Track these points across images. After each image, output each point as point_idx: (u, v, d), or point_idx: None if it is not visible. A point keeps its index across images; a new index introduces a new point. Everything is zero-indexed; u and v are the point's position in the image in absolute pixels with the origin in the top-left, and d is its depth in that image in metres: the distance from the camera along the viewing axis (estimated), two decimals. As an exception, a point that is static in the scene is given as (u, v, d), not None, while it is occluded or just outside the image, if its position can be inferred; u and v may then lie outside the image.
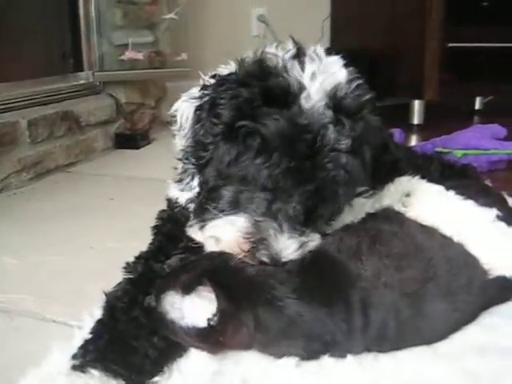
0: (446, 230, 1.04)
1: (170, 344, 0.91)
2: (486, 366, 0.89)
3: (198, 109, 1.04)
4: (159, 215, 1.23)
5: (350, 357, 0.89)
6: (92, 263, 1.36)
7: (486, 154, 2.11)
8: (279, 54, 1.03)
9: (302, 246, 0.95)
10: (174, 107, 1.09)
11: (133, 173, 2.21)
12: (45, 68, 2.54)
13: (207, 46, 3.39)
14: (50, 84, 2.48)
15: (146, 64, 2.91)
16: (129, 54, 2.84)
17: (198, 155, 1.03)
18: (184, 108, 1.07)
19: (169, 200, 1.22)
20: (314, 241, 0.98)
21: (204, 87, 1.06)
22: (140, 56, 2.87)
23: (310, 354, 0.88)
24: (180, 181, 1.11)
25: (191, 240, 1.06)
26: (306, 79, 0.98)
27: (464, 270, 0.98)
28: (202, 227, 1.02)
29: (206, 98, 1.03)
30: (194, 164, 1.05)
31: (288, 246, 0.93)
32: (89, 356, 0.87)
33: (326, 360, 0.88)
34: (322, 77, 0.98)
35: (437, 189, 1.16)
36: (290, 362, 0.88)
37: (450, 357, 0.92)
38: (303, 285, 0.89)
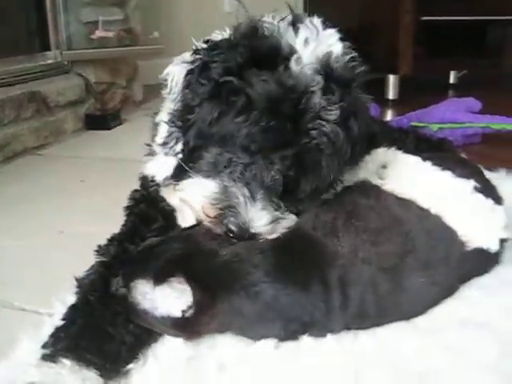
0: (424, 201, 1.02)
1: (147, 330, 0.88)
2: (466, 339, 0.89)
3: (189, 73, 1.00)
4: (132, 195, 1.18)
5: (329, 336, 0.87)
6: (62, 248, 1.31)
7: (462, 128, 2.10)
8: (275, 21, 0.99)
9: (275, 220, 0.91)
10: (166, 71, 1.06)
11: (104, 154, 2.15)
12: (10, 47, 2.45)
13: (179, 23, 3.32)
14: (16, 64, 2.40)
15: (116, 42, 2.83)
16: (99, 33, 2.76)
17: (185, 118, 1.00)
18: (175, 71, 1.04)
19: (143, 178, 1.17)
20: (289, 220, 0.95)
21: (196, 52, 1.02)
22: (110, 35, 2.79)
23: (288, 335, 0.87)
24: (164, 144, 1.07)
25: (166, 220, 1.03)
26: (298, 44, 0.95)
27: (442, 242, 0.97)
28: (175, 188, 1.00)
29: (197, 62, 1.00)
30: (179, 127, 1.02)
31: (259, 218, 0.89)
32: (60, 344, 0.84)
33: (305, 340, 0.87)
34: (316, 43, 0.96)
35: (413, 160, 1.13)
36: (267, 343, 0.86)
37: (430, 331, 0.91)
38: (279, 266, 0.86)
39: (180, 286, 0.81)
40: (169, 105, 1.05)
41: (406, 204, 1.02)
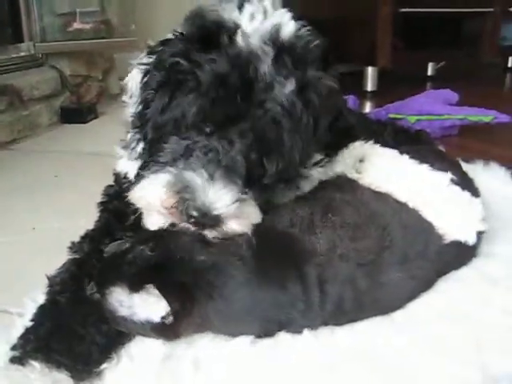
0: (401, 195, 1.01)
1: (119, 330, 0.86)
2: (444, 333, 0.88)
3: (146, 73, 0.98)
4: (106, 191, 1.16)
5: (306, 332, 0.86)
6: (34, 245, 1.28)
7: (439, 120, 2.10)
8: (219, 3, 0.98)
9: (239, 201, 0.85)
10: (127, 78, 1.05)
11: (79, 148, 2.11)
12: (-19, 39, 2.39)
13: (155, 15, 3.27)
14: (-13, 56, 2.34)
15: (92, 34, 2.78)
16: (76, 25, 2.71)
17: (143, 115, 0.97)
18: (133, 75, 1.02)
19: (117, 175, 1.15)
20: (256, 210, 0.90)
21: (150, 52, 1.00)
22: (87, 26, 2.75)
23: (266, 333, 0.85)
24: (126, 147, 1.05)
25: (138, 217, 1.00)
26: (243, 20, 0.93)
27: (419, 236, 0.97)
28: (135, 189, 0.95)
29: (152, 62, 0.98)
30: (138, 127, 0.99)
31: (219, 197, 0.83)
32: (29, 346, 0.81)
33: (282, 337, 0.85)
34: (261, 17, 0.94)
35: (391, 153, 1.12)
36: (244, 340, 0.84)
37: (408, 325, 0.90)
38: (257, 270, 0.84)
39: (157, 293, 0.78)
40: (130, 109, 1.03)
41: (383, 198, 1.01)
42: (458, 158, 1.52)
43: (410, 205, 1.00)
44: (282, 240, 0.89)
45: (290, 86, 0.89)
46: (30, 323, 0.86)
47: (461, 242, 1.00)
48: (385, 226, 0.94)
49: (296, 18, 0.98)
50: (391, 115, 2.13)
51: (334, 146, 1.13)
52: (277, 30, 0.92)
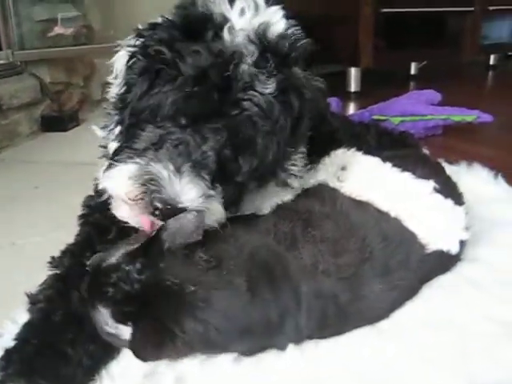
0: (383, 204, 1.00)
1: (106, 349, 0.84)
2: (429, 341, 0.87)
3: (132, 55, 0.96)
4: (86, 202, 1.13)
5: (290, 347, 0.84)
6: (14, 261, 1.24)
7: (423, 120, 2.10)
8: None
9: (206, 196, 0.83)
10: (113, 58, 1.02)
11: (60, 157, 2.07)
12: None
13: (135, 20, 3.24)
14: (-36, 65, 2.29)
15: (72, 40, 2.74)
16: (58, 30, 2.67)
17: (124, 98, 0.96)
18: (119, 56, 1.00)
19: (97, 185, 1.12)
20: (219, 204, 0.88)
21: (138, 34, 0.98)
22: (70, 32, 2.71)
23: (254, 351, 0.84)
24: (105, 127, 1.02)
25: (120, 231, 0.97)
26: (233, 14, 0.91)
27: (401, 246, 0.95)
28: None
29: (139, 44, 0.96)
30: (119, 109, 0.97)
31: (186, 191, 0.82)
32: (11, 368, 0.78)
33: (266, 353, 0.84)
34: (251, 13, 0.92)
35: (372, 161, 1.11)
36: (227, 357, 0.83)
37: (392, 335, 0.90)
38: (251, 292, 0.82)
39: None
40: (114, 90, 1.01)
41: (364, 208, 1.00)
42: (442, 158, 1.52)
43: (392, 214, 0.99)
44: (271, 258, 0.88)
45: (270, 86, 0.88)
46: (12, 343, 0.83)
47: (443, 251, 0.99)
48: (364, 238, 0.93)
49: (288, 15, 0.97)
50: (375, 117, 2.12)
51: (317, 153, 1.12)
52: (265, 28, 0.91)
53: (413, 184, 1.03)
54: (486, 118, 2.08)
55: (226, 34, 0.88)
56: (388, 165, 1.07)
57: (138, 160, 0.86)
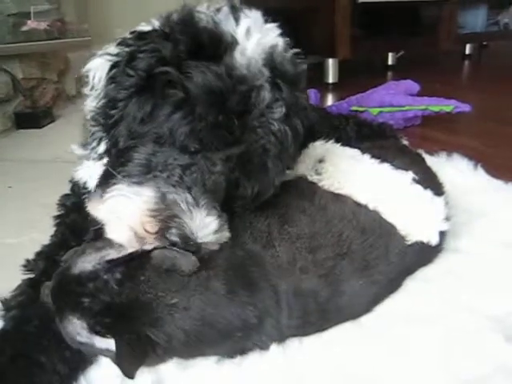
0: (361, 197, 0.99)
1: (83, 356, 0.82)
2: (411, 337, 0.87)
3: (114, 66, 0.89)
4: (61, 201, 1.09)
5: (273, 346, 0.83)
6: (-14, 263, 1.20)
7: (402, 111, 2.10)
8: (210, 10, 0.91)
9: (220, 229, 0.81)
10: (87, 66, 0.93)
11: (35, 155, 2.02)
12: None
13: (109, 13, 3.19)
14: None
15: (44, 35, 2.68)
16: (31, 24, 2.60)
17: (108, 114, 0.88)
18: (97, 66, 0.92)
19: (74, 184, 1.08)
20: (227, 230, 0.85)
21: (122, 43, 0.91)
22: (43, 26, 2.64)
23: (235, 353, 0.83)
24: (85, 145, 0.94)
25: (97, 232, 0.94)
26: (240, 34, 0.86)
27: (380, 239, 0.94)
28: (103, 199, 0.87)
29: (123, 54, 0.89)
30: (102, 125, 0.90)
31: (206, 225, 0.78)
32: None
33: (249, 354, 0.83)
34: (260, 35, 0.88)
35: (351, 153, 1.10)
36: (209, 360, 0.82)
37: (375, 330, 0.89)
38: (228, 294, 0.80)
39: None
40: (91, 103, 0.93)
41: (342, 201, 0.99)
42: (421, 149, 1.52)
43: (371, 206, 0.98)
44: (248, 258, 0.86)
45: (281, 113, 0.85)
46: None
47: (423, 243, 0.98)
48: (341, 233, 0.92)
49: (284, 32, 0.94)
50: (353, 108, 2.12)
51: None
52: (273, 51, 0.88)
53: (391, 175, 1.03)
54: (464, 107, 2.08)
55: (239, 57, 0.84)
56: (367, 156, 1.06)
57: (151, 186, 0.81)
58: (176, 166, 0.82)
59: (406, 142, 1.57)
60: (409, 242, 0.96)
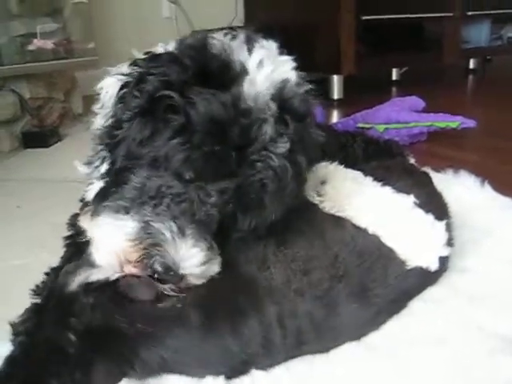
0: (361, 220, 0.98)
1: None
2: (418, 358, 0.85)
3: (124, 86, 0.89)
4: (71, 221, 1.09)
5: (279, 367, 0.83)
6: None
7: (407, 128, 2.10)
8: (225, 38, 0.90)
9: (207, 262, 0.81)
10: (100, 84, 0.95)
11: (43, 174, 2.03)
12: None
13: (115, 32, 3.23)
14: None
15: (51, 55, 2.71)
16: (37, 43, 2.64)
17: (113, 134, 0.88)
18: (109, 84, 0.92)
19: (85, 203, 1.09)
20: (217, 262, 0.85)
21: (134, 63, 0.91)
22: (50, 45, 2.67)
23: (231, 374, 0.82)
24: (89, 163, 0.95)
25: None
26: (251, 65, 0.85)
27: (378, 262, 0.93)
28: (93, 216, 0.88)
29: (134, 74, 0.89)
30: (106, 144, 0.90)
31: (190, 256, 0.78)
32: None
33: (256, 374, 0.82)
34: (271, 67, 0.86)
35: (353, 175, 1.09)
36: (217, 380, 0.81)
37: (382, 351, 0.88)
38: (206, 323, 0.80)
39: None
40: (99, 121, 0.94)
41: (341, 224, 0.98)
42: (427, 165, 1.52)
43: (370, 230, 0.97)
44: (237, 285, 0.86)
45: (284, 148, 0.84)
46: None
47: (422, 268, 0.97)
48: (336, 255, 0.91)
49: (297, 66, 0.93)
50: (359, 125, 2.13)
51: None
52: (284, 85, 0.87)
53: (393, 198, 1.02)
54: (470, 123, 2.09)
55: (247, 88, 0.82)
56: (369, 179, 1.06)
57: (136, 217, 0.81)
58: (167, 193, 0.82)
59: (412, 160, 1.57)
60: (409, 267, 0.95)
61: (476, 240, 1.20)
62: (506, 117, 2.65)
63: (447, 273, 1.07)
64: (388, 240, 0.96)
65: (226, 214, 0.84)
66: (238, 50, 0.87)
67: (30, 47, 2.63)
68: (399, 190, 1.03)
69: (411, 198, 1.01)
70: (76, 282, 0.82)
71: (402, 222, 0.98)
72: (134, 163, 0.85)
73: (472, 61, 4.15)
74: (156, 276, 0.79)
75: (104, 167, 0.91)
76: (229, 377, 0.81)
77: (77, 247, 1.02)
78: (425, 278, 1.01)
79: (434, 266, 0.97)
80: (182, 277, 0.79)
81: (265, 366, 0.83)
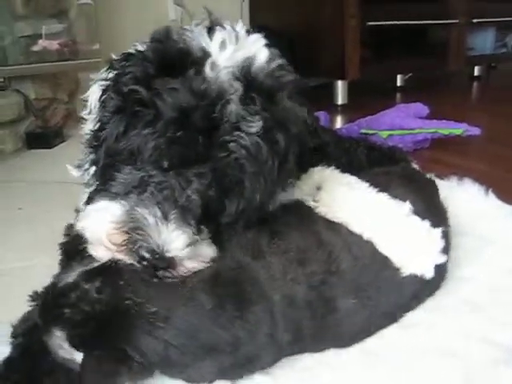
0: (356, 226, 0.97)
1: None
2: (429, 368, 0.85)
3: (105, 90, 0.92)
4: (66, 231, 1.09)
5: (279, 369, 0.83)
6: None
7: (411, 134, 2.10)
8: (192, 26, 0.91)
9: (193, 243, 0.81)
10: (88, 92, 0.99)
11: (46, 176, 2.01)
12: None
13: (120, 33, 3.22)
14: None
15: (56, 56, 2.72)
16: (42, 43, 2.64)
17: (97, 136, 0.91)
18: (93, 91, 0.97)
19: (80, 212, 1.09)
20: (211, 248, 0.86)
21: (111, 66, 0.94)
22: (55, 45, 2.68)
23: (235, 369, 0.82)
24: (79, 167, 0.99)
25: None
26: (213, 47, 0.86)
27: (370, 267, 0.93)
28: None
29: (111, 78, 0.92)
30: (93, 147, 0.93)
31: (174, 239, 0.79)
32: None
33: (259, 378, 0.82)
34: (235, 47, 0.87)
35: (348, 181, 1.07)
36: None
37: (391, 361, 0.87)
38: (215, 308, 0.80)
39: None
40: (88, 126, 0.97)
41: (336, 228, 0.97)
42: (430, 172, 1.51)
43: (365, 237, 0.96)
44: (240, 271, 0.86)
45: (256, 125, 0.83)
46: None
47: (417, 276, 0.95)
48: (331, 252, 0.91)
49: (270, 44, 0.93)
50: (363, 130, 2.12)
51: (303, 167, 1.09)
52: (249, 63, 0.87)
53: (388, 205, 1.00)
54: (474, 130, 2.08)
55: (208, 71, 0.83)
56: (365, 185, 1.05)
57: (121, 202, 0.83)
58: (149, 182, 0.84)
59: (416, 166, 1.57)
60: (403, 275, 0.94)
61: (480, 248, 1.19)
62: (511, 124, 2.64)
63: (450, 281, 1.06)
64: (382, 247, 0.95)
65: (210, 198, 0.84)
66: (198, 36, 0.88)
67: (35, 48, 2.64)
68: (395, 196, 1.02)
69: (407, 205, 0.99)
70: (72, 276, 0.81)
71: (397, 229, 0.97)
72: (114, 159, 0.88)
73: (477, 68, 4.16)
74: (145, 263, 0.80)
75: (92, 169, 0.95)
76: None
77: (71, 255, 1.03)
78: (421, 287, 0.99)
79: (429, 273, 0.96)
80: (172, 261, 0.80)
81: (267, 362, 0.83)
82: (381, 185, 1.04)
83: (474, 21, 3.70)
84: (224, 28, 0.91)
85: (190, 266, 0.83)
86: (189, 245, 0.80)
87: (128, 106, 0.86)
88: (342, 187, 1.05)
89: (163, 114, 0.81)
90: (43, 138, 2.48)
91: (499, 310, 0.99)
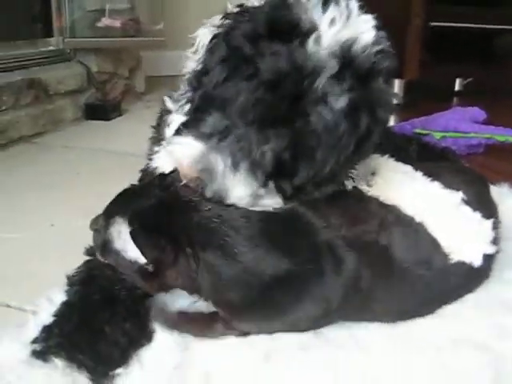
0: (408, 209, 0.98)
1: (141, 330, 0.88)
2: (461, 360, 0.86)
3: (215, 37, 0.96)
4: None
5: (312, 354, 0.85)
6: (52, 242, 1.26)
7: (466, 138, 2.07)
8: None
9: (255, 196, 0.88)
10: (196, 33, 1.03)
11: (102, 145, 2.10)
12: (11, 32, 2.39)
13: (184, 15, 3.27)
14: (17, 49, 2.35)
15: (120, 32, 2.79)
16: (105, 21, 2.73)
17: (200, 80, 0.97)
18: (203, 34, 1.00)
19: (146, 173, 1.14)
20: (274, 201, 0.91)
21: (225, 16, 0.97)
22: (117, 24, 2.76)
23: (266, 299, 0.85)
24: (177, 101, 1.05)
25: None
26: (323, 23, 0.87)
27: (421, 247, 0.95)
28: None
29: (223, 27, 0.96)
30: (193, 88, 0.99)
31: (236, 187, 0.86)
32: (52, 340, 0.82)
33: (296, 352, 0.84)
34: (342, 25, 0.88)
35: (403, 169, 1.09)
36: (257, 355, 0.84)
37: (424, 350, 0.88)
38: (263, 233, 0.85)
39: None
40: (191, 64, 1.02)
41: (389, 207, 0.99)
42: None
43: (417, 219, 0.97)
44: (290, 212, 0.90)
45: (343, 103, 0.85)
46: (51, 319, 0.86)
47: (465, 263, 0.96)
48: (383, 219, 0.94)
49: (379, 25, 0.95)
50: (417, 130, 2.10)
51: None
52: (351, 43, 0.88)
53: (441, 194, 1.02)
54: (531, 139, 2.04)
55: (310, 44, 0.86)
56: (419, 173, 1.06)
57: (202, 144, 0.89)
58: (231, 132, 0.88)
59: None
60: (452, 261, 0.95)
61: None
62: None
63: (491, 283, 1.06)
64: (434, 231, 0.96)
65: (284, 160, 0.88)
66: (312, 8, 0.89)
67: (99, 24, 2.72)
68: (448, 186, 1.03)
69: (459, 194, 1.01)
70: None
71: (449, 217, 0.99)
72: (208, 104, 0.93)
73: (540, 78, 4.02)
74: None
75: (187, 106, 1.00)
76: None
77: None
78: (466, 279, 1.00)
79: (477, 262, 0.97)
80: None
81: (316, 298, 0.86)
82: (433, 175, 1.05)
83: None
84: (338, 4, 0.91)
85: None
86: (250, 195, 0.87)
87: (232, 58, 0.90)
88: (398, 174, 1.07)
89: (260, 74, 0.85)
90: (101, 110, 2.57)
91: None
